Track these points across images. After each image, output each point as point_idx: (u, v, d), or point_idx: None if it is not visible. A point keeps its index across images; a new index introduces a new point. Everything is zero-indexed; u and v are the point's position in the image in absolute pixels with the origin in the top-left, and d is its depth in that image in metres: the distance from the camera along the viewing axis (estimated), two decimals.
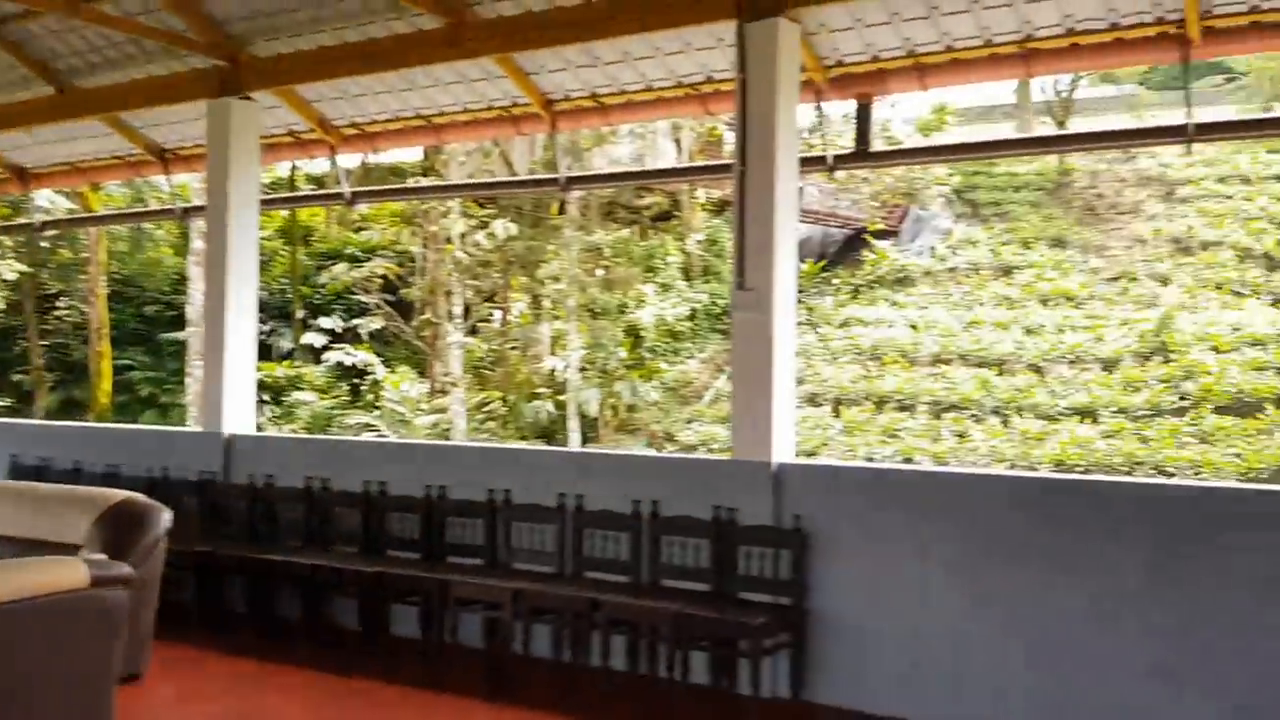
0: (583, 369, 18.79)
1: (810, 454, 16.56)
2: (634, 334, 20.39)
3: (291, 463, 7.16)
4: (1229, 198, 22.94)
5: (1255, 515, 4.54)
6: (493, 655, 5.84)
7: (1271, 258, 20.86)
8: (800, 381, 19.06)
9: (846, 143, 10.02)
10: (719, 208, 23.04)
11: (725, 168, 7.45)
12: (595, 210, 20.14)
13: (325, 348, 20.15)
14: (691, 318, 21.38)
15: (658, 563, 5.66)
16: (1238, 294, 20.05)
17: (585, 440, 18.29)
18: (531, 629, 5.59)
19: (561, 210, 19.36)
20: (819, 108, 6.70)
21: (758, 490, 5.45)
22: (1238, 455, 15.15)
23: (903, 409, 17.83)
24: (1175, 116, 6.96)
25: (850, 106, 6.89)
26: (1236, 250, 21.19)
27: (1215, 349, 17.71)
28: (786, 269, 5.64)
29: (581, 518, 5.93)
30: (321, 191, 17.65)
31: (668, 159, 20.77)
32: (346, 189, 8.69)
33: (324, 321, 20.87)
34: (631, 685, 5.41)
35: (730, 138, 23.02)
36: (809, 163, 6.99)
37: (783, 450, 5.55)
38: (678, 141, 21.53)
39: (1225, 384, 16.65)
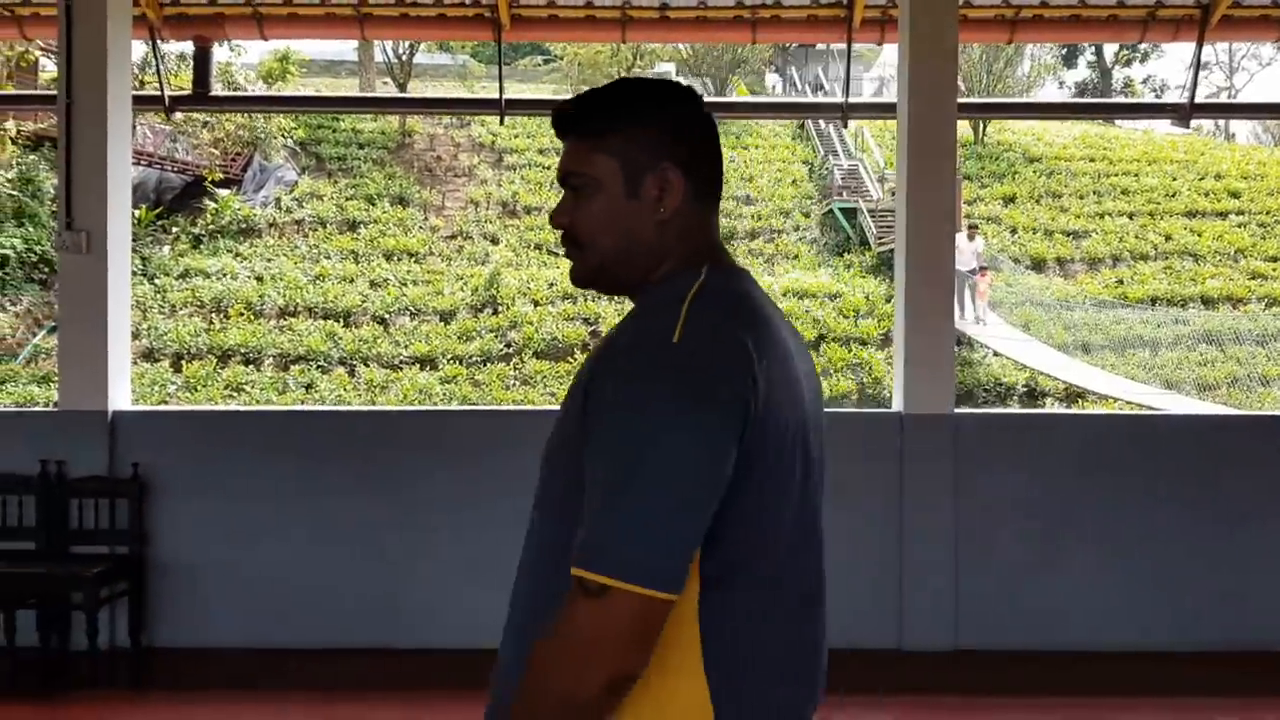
0: None
1: None
2: None
3: None
4: (547, 167, 25.67)
5: None
6: None
7: None
8: (135, 335, 17.96)
9: (185, 83, 9.65)
10: (34, 142, 20.61)
11: (43, 98, 6.88)
12: None
13: None
14: (3, 265, 18.99)
15: None
16: (553, 253, 22.62)
17: None
18: None
19: None
20: (154, 45, 6.47)
21: (92, 441, 5.24)
22: (553, 394, 17.23)
23: (248, 362, 17.62)
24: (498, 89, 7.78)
25: (189, 46, 6.75)
26: None
27: (535, 302, 19.87)
28: (120, 211, 5.44)
29: None
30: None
31: None
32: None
33: None
34: None
35: (46, 65, 20.76)
36: (144, 101, 6.73)
37: (119, 399, 5.38)
38: None
39: (543, 333, 18.77)
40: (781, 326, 1.43)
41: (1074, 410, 16.29)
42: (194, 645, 5.19)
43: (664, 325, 1.27)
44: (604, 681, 1.19)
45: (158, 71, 6.68)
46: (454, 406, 16.20)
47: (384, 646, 5.15)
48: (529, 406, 16.84)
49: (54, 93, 5.50)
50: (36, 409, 12.78)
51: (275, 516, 5.26)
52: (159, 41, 6.43)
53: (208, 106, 6.55)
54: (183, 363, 17.48)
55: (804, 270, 22.37)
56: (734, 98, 28.84)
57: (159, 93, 6.61)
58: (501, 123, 26.11)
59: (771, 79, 40.86)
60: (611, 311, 19.54)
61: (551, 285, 20.41)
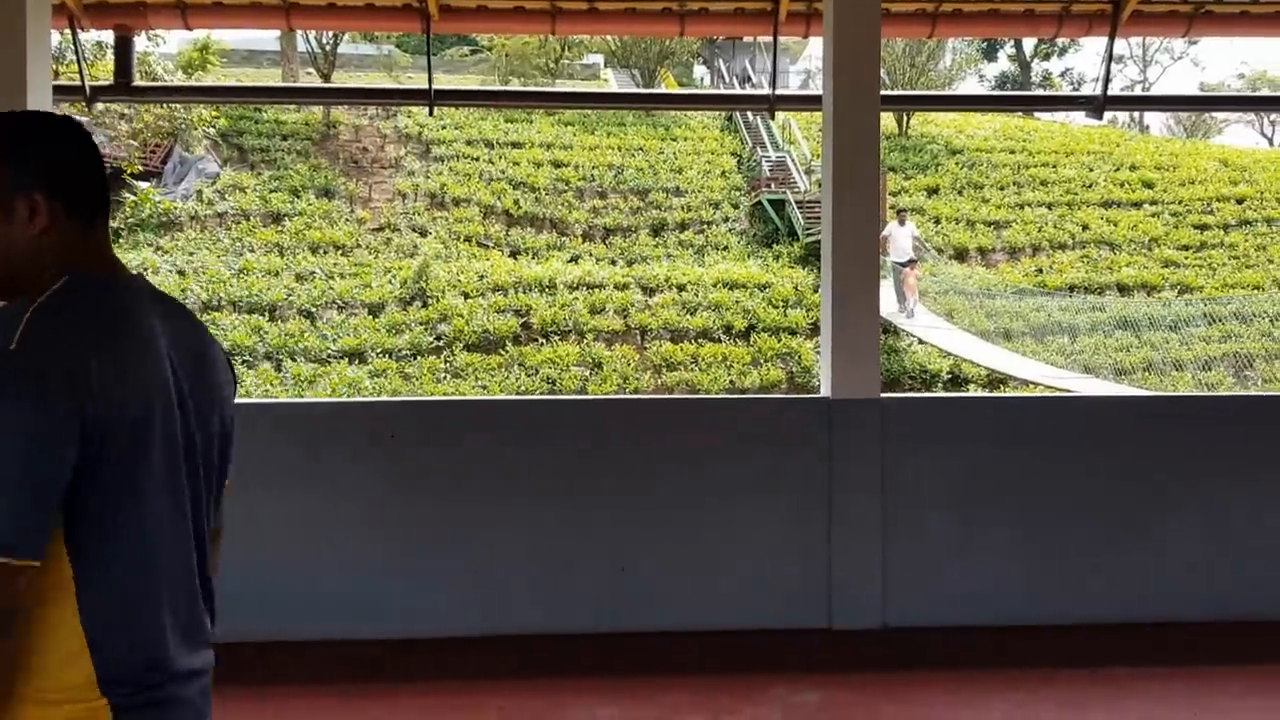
0: None
1: None
2: None
3: None
4: (475, 158, 25.54)
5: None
6: None
7: (510, 214, 23.71)
8: None
9: (101, 72, 9.40)
10: None
11: None
12: None
13: None
14: None
15: None
16: (483, 245, 22.54)
17: None
18: None
19: None
20: (74, 34, 6.35)
21: None
22: (484, 387, 17.19)
23: None
24: (425, 79, 7.74)
25: (106, 34, 6.64)
26: (482, 206, 23.75)
27: (465, 294, 19.78)
28: None
29: None
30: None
31: None
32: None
33: None
34: None
35: None
36: (65, 92, 6.60)
37: None
38: None
39: (474, 325, 18.71)
40: (154, 326, 1.67)
41: (996, 394, 16.66)
42: None
43: (5, 335, 1.52)
44: None
45: (78, 61, 6.56)
46: (385, 398, 16.08)
47: (301, 639, 5.14)
48: (461, 397, 16.78)
49: None
50: None
51: None
52: (79, 31, 6.31)
53: (130, 97, 6.44)
54: None
55: (734, 261, 22.57)
56: (662, 89, 28.99)
57: (79, 83, 6.49)
58: (431, 114, 25.95)
59: (699, 71, 41.05)
60: (543, 304, 19.53)
61: (482, 277, 20.34)
